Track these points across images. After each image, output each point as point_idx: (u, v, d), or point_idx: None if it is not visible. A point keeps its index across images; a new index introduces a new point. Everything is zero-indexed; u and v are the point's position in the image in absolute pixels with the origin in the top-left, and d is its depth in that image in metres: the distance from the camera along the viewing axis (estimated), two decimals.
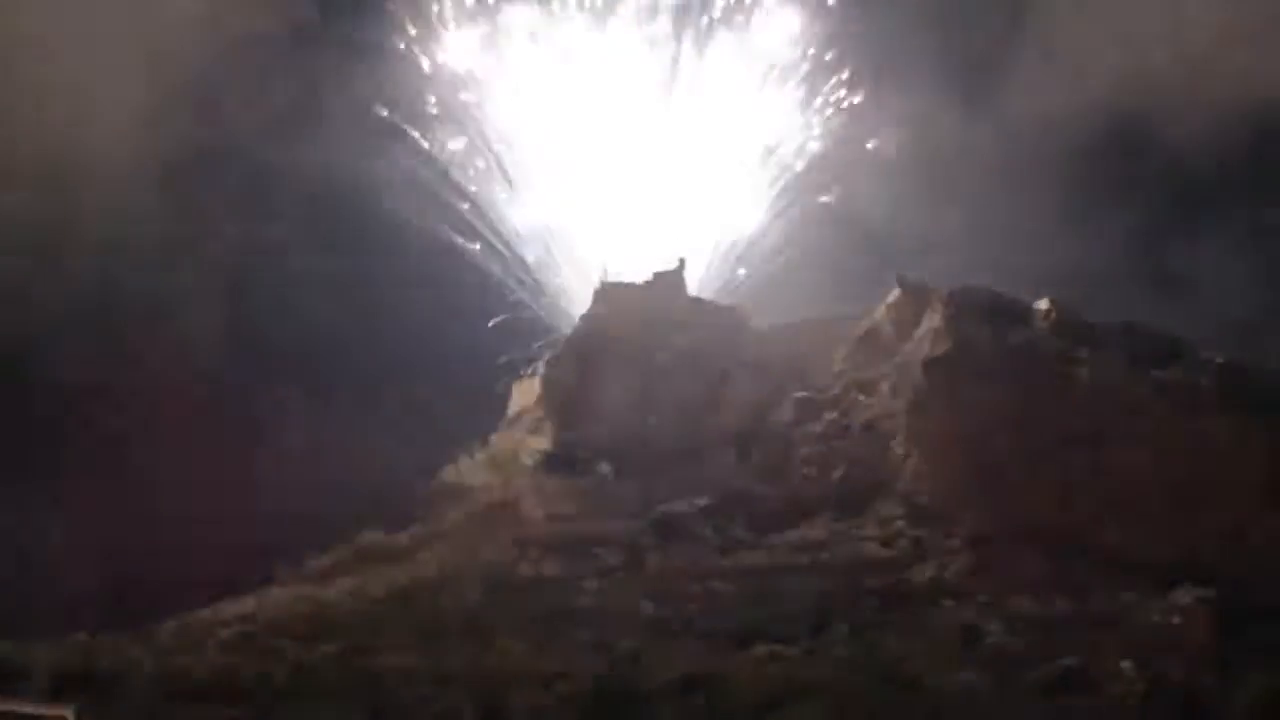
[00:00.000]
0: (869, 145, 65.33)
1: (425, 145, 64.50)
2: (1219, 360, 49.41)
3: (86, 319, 64.00)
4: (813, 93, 65.56)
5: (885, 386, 53.32)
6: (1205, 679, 37.61)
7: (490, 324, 62.99)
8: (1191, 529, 44.10)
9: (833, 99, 65.46)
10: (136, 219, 63.67)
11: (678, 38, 64.54)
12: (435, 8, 64.19)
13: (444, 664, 38.24)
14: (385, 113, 63.78)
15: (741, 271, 65.93)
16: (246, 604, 45.73)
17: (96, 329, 63.78)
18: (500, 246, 64.71)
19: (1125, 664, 38.12)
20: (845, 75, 65.20)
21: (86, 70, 63.04)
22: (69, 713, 31.21)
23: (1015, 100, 67.36)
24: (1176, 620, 40.22)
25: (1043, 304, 52.30)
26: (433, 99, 64.48)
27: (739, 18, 64.97)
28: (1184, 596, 40.62)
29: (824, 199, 65.75)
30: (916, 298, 54.79)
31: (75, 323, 63.72)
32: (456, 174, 64.57)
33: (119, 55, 63.70)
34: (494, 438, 58.62)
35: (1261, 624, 39.18)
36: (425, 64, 64.50)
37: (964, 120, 66.05)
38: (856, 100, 65.31)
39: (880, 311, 56.18)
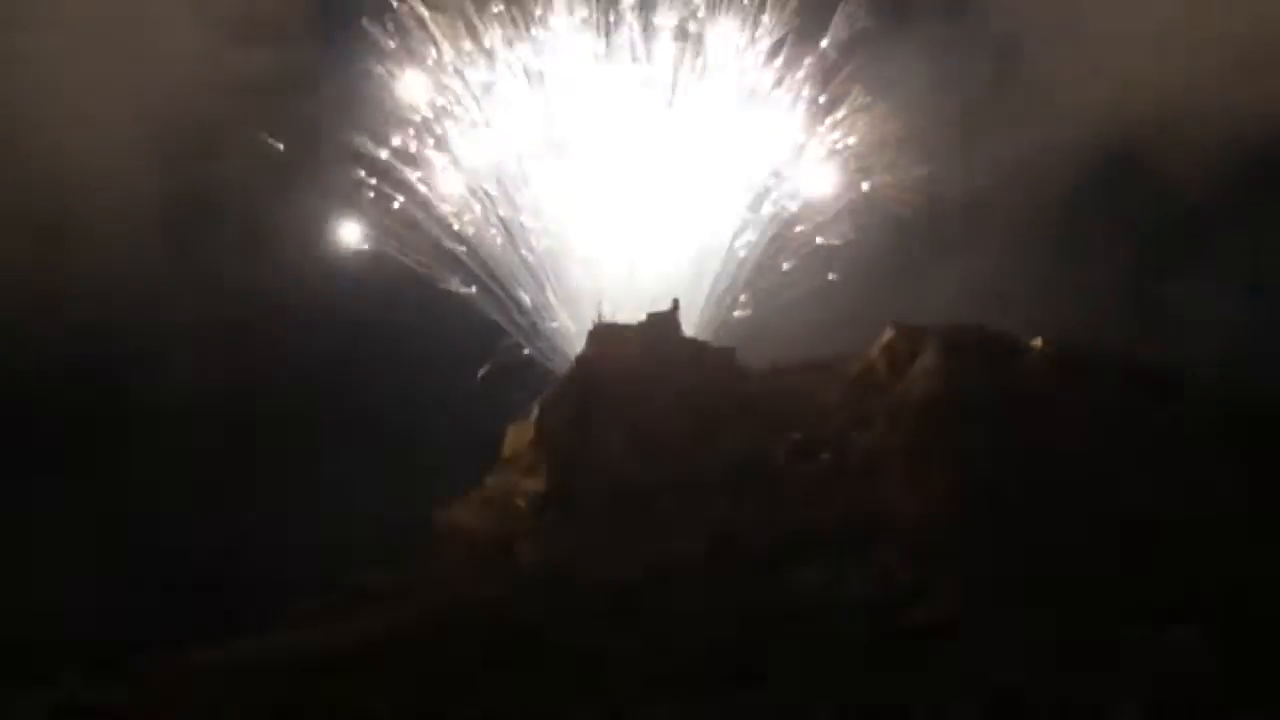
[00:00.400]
0: (864, 186, 65.32)
1: (422, 189, 64.54)
2: (1218, 392, 49.33)
3: (82, 361, 64.08)
4: (807, 134, 65.77)
5: (880, 426, 53.14)
6: (1208, 716, 37.29)
7: (479, 374, 62.91)
8: (1193, 564, 43.81)
9: (827, 140, 65.67)
10: (133, 261, 63.89)
11: (673, 78, 64.78)
12: (434, 51, 64.36)
13: (439, 708, 37.91)
14: (383, 154, 63.81)
15: (736, 313, 65.97)
16: (240, 646, 45.36)
17: (93, 372, 63.87)
18: (496, 289, 64.73)
19: (1127, 704, 37.80)
20: (840, 115, 65.43)
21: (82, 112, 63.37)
22: None
23: (1010, 135, 67.68)
24: (1179, 657, 39.89)
25: (1037, 341, 52.25)
26: (431, 141, 64.56)
27: (734, 59, 65.22)
28: (1186, 632, 40.30)
29: (820, 240, 65.81)
30: (911, 337, 54.71)
31: (71, 364, 63.79)
32: (452, 217, 64.60)
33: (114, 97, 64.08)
34: (488, 480, 58.39)
35: (1265, 659, 38.83)
36: (422, 106, 64.58)
37: (959, 158, 66.29)
38: (851, 141, 65.44)
39: (874, 351, 56.09)
